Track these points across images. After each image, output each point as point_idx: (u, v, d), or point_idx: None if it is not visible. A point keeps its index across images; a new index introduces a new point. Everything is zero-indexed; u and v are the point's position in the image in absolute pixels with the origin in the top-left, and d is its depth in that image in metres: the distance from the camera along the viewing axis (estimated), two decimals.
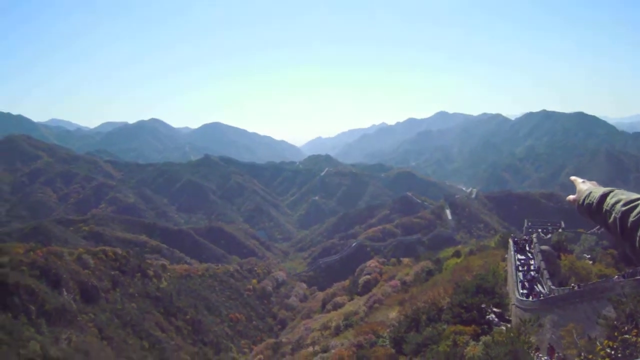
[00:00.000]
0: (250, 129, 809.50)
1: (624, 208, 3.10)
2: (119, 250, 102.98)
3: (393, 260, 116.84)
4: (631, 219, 2.98)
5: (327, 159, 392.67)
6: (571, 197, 3.99)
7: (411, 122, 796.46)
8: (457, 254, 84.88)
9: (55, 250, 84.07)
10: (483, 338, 30.37)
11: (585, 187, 3.80)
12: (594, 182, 3.93)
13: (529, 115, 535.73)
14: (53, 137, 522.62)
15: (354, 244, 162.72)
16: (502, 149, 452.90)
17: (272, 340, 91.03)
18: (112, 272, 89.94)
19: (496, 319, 36.96)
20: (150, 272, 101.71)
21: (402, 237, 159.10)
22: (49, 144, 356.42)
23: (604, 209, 3.30)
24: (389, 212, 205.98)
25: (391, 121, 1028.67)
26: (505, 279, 44.90)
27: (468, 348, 29.91)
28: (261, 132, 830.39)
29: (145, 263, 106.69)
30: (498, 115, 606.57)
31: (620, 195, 3.26)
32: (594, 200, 3.47)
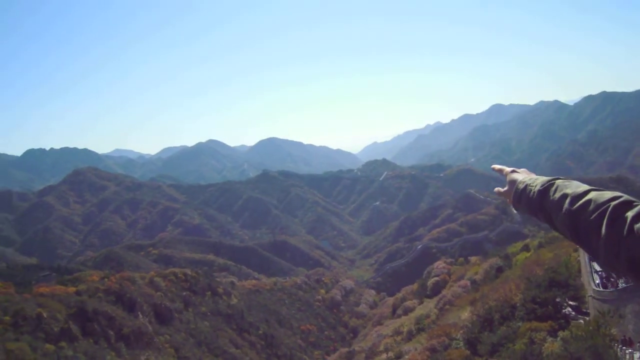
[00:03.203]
0: (305, 141, 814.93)
1: (574, 207, 2.66)
2: (188, 271, 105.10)
3: (460, 259, 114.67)
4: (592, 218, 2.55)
5: (385, 163, 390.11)
6: (500, 189, 3.53)
7: (466, 118, 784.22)
8: (526, 248, 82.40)
9: (128, 276, 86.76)
10: (561, 333, 29.31)
11: (519, 176, 3.31)
12: (525, 170, 3.47)
13: (588, 99, 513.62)
14: (117, 166, 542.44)
15: (419, 247, 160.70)
16: (563, 136, 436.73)
17: (345, 349, 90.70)
18: (184, 293, 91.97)
19: (573, 313, 35.60)
20: (220, 290, 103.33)
21: (467, 235, 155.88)
22: (115, 173, 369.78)
23: (549, 202, 2.88)
24: (452, 212, 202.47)
25: (446, 119, 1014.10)
26: (579, 270, 43.19)
27: (546, 345, 28.91)
28: (317, 143, 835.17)
29: (214, 281, 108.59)
30: (555, 102, 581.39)
31: (566, 189, 2.81)
32: (534, 192, 3.01)
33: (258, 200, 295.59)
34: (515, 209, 3.32)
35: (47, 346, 47.35)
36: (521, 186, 3.17)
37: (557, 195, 2.81)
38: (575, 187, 2.78)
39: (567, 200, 2.71)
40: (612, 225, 2.41)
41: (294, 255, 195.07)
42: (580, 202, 2.64)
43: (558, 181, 2.96)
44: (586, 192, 2.68)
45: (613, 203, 2.50)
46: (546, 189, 2.94)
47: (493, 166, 3.77)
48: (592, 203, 2.59)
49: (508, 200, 3.38)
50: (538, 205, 2.97)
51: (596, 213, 2.52)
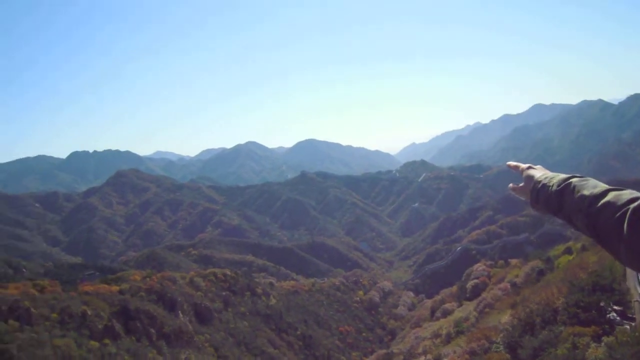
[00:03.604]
0: (344, 142, 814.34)
1: (593, 209, 2.57)
2: (227, 271, 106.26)
3: (500, 262, 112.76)
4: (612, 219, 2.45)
5: (423, 164, 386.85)
6: (515, 185, 3.45)
7: (506, 118, 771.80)
8: (568, 251, 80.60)
9: (169, 275, 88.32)
10: (605, 339, 28.59)
11: (537, 173, 3.22)
12: (541, 167, 3.36)
13: (635, 97, 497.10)
14: (158, 168, 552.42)
15: (458, 249, 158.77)
16: (608, 136, 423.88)
17: (383, 351, 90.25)
18: (223, 293, 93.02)
19: (618, 318, 34.66)
20: (259, 291, 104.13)
21: (508, 237, 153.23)
22: (156, 175, 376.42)
23: (567, 203, 2.79)
24: (492, 213, 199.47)
25: (485, 120, 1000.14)
26: (624, 274, 42.08)
27: (589, 350, 28.25)
28: (355, 144, 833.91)
29: (253, 282, 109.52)
30: (599, 101, 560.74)
31: (584, 190, 2.71)
32: (551, 191, 2.92)
33: (296, 202, 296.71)
34: (533, 208, 3.23)
35: (91, 343, 48.55)
36: (539, 185, 3.07)
37: (576, 195, 2.72)
38: (592, 187, 2.69)
39: (586, 202, 2.63)
40: (633, 227, 2.32)
41: (332, 257, 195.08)
42: (599, 204, 2.55)
43: (574, 180, 2.86)
44: (604, 193, 2.59)
45: (632, 205, 2.40)
46: (563, 189, 2.84)
47: (508, 163, 3.73)
48: (611, 205, 2.49)
49: (525, 197, 3.29)
50: (556, 205, 2.87)
51: (616, 215, 2.43)
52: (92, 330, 51.65)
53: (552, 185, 2.93)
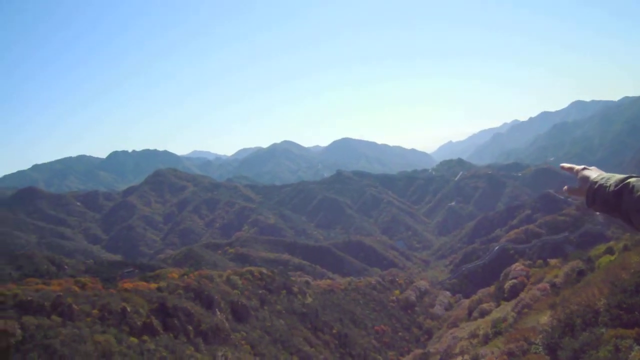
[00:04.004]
0: (379, 141, 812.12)
1: None
2: (264, 270, 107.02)
3: (539, 262, 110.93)
4: None
5: (460, 162, 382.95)
6: (570, 187, 3.42)
7: (545, 115, 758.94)
8: (610, 251, 78.67)
9: (206, 273, 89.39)
10: None
11: (592, 174, 3.21)
12: (595, 168, 3.37)
13: None
14: (196, 167, 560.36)
15: (496, 248, 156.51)
16: None
17: (419, 351, 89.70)
18: (260, 291, 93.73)
19: None
20: (295, 289, 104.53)
21: (547, 237, 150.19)
22: (193, 174, 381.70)
23: (626, 202, 2.76)
24: (530, 212, 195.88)
25: (524, 117, 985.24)
26: None
27: (633, 353, 27.56)
28: (391, 143, 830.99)
29: (289, 280, 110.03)
30: None
31: None
32: (609, 191, 2.92)
33: (332, 201, 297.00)
34: (590, 208, 3.22)
35: (131, 339, 49.47)
36: (595, 185, 3.10)
37: (635, 195, 2.71)
38: None
39: None
40: None
41: (368, 255, 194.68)
42: None
43: (632, 180, 2.85)
44: None
45: None
46: (621, 189, 2.84)
47: (562, 165, 3.69)
48: None
49: (581, 198, 3.29)
50: (614, 204, 2.87)
51: None
52: (132, 327, 52.61)
53: (610, 186, 2.93)
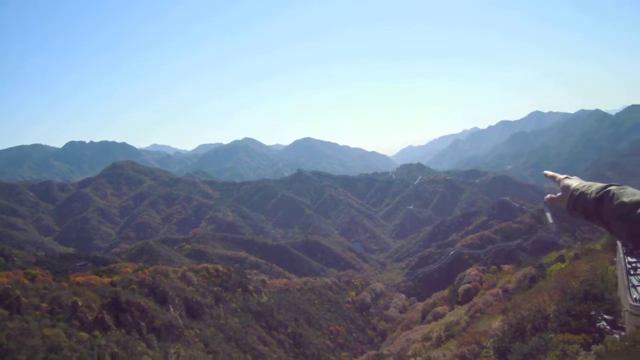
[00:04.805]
0: (341, 142, 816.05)
1: (632, 215, 2.65)
2: (220, 267, 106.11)
3: (493, 267, 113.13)
4: None
5: (420, 167, 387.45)
6: (552, 195, 3.57)
7: (504, 124, 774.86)
8: (561, 259, 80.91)
9: (161, 269, 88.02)
10: (595, 347, 28.74)
11: (574, 182, 3.38)
12: (577, 177, 3.54)
13: (632, 108, 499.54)
14: (154, 161, 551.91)
15: (451, 253, 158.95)
16: (604, 146, 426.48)
17: (373, 352, 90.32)
18: (215, 288, 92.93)
19: (608, 327, 34.79)
20: (251, 287, 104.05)
21: (501, 243, 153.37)
22: (151, 168, 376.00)
23: (606, 210, 2.88)
24: (486, 219, 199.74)
25: (483, 125, 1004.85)
26: (616, 284, 42.20)
27: (579, 358, 28.39)
28: (352, 145, 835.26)
29: (245, 278, 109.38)
30: (597, 111, 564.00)
31: (622, 197, 2.80)
32: (590, 199, 3.03)
33: (292, 200, 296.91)
34: (571, 215, 3.39)
35: (81, 334, 48.38)
36: (576, 193, 3.20)
37: (614, 203, 2.81)
38: (631, 194, 2.77)
39: (626, 209, 2.70)
40: None
41: (326, 256, 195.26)
42: (639, 210, 2.62)
43: (612, 187, 2.97)
44: None
45: None
46: (602, 196, 2.94)
47: (545, 172, 3.82)
48: None
49: (562, 206, 3.41)
50: (595, 212, 2.98)
51: None
52: (82, 321, 51.49)
53: (591, 193, 3.04)
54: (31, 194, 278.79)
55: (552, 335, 35.61)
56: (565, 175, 3.57)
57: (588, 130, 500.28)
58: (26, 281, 58.31)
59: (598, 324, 35.38)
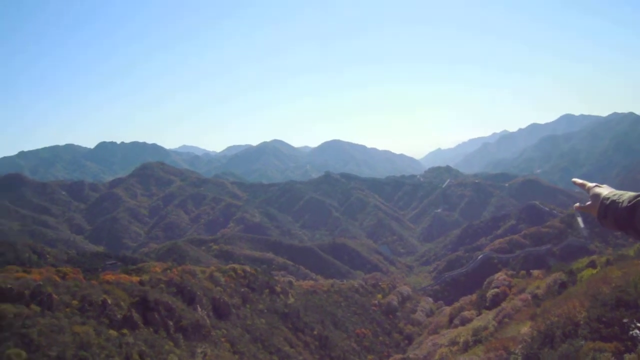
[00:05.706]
0: (369, 145, 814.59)
1: None
2: (247, 268, 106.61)
3: (522, 272, 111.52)
4: None
5: (448, 170, 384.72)
6: (580, 204, 3.48)
7: (534, 127, 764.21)
8: (592, 265, 79.22)
9: (189, 269, 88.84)
10: (627, 356, 28.08)
11: (604, 191, 3.25)
12: (607, 185, 3.41)
13: None
14: (184, 162, 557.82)
15: (480, 257, 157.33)
16: (637, 150, 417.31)
17: (399, 356, 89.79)
18: (242, 289, 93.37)
19: None
20: (278, 289, 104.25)
21: (530, 248, 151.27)
22: (181, 169, 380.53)
23: (639, 219, 2.81)
24: (515, 223, 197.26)
25: (513, 128, 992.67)
26: None
27: None
28: (380, 147, 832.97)
29: (272, 280, 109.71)
30: (630, 114, 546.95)
31: None
32: (623, 205, 2.96)
33: (319, 202, 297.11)
34: (601, 224, 3.28)
35: (110, 331, 49.05)
36: (607, 201, 3.14)
37: None
38: None
39: None
40: None
41: (352, 258, 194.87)
42: None
43: None
44: None
45: None
46: (634, 205, 2.88)
47: (574, 180, 3.78)
48: None
49: (592, 214, 3.34)
50: (627, 221, 2.90)
51: None
52: (111, 319, 52.19)
53: (623, 202, 2.97)
54: (63, 193, 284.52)
55: (582, 342, 34.89)
56: (595, 184, 3.46)
57: (620, 133, 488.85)
58: (58, 279, 59.29)
59: (631, 332, 34.54)
